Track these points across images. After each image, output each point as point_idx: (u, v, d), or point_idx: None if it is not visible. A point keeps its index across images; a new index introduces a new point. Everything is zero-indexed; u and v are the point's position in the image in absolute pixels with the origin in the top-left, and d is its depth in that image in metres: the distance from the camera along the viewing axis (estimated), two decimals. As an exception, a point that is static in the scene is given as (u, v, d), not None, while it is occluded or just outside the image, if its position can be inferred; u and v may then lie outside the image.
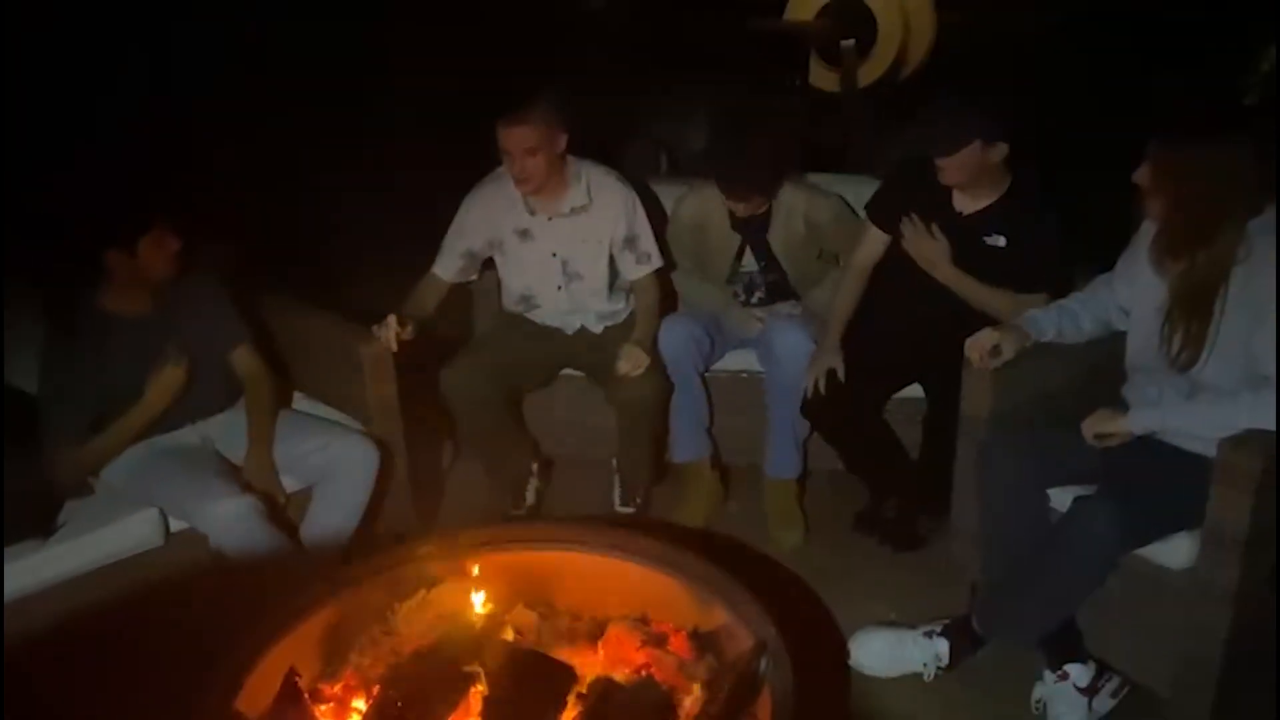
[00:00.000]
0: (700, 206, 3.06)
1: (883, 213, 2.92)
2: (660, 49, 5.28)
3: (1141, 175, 2.16)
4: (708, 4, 6.12)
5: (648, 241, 3.02)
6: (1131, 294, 2.34)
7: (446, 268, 3.04)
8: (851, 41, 6.18)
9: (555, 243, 2.98)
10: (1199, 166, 2.08)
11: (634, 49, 5.35)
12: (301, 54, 4.82)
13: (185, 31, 4.54)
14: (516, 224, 2.97)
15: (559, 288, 3.03)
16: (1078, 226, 2.69)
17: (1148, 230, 2.29)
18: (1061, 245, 2.69)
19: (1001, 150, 2.62)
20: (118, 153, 3.85)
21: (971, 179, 2.68)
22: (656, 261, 3.04)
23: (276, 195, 4.46)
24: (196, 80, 4.48)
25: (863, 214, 3.00)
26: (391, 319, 2.70)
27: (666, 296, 3.13)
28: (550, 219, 2.95)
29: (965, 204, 2.76)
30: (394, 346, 2.69)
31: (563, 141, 2.83)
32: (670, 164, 4.65)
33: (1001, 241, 2.72)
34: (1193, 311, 2.15)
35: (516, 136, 2.76)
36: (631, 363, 2.84)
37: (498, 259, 3.07)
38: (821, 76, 6.16)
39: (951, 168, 2.64)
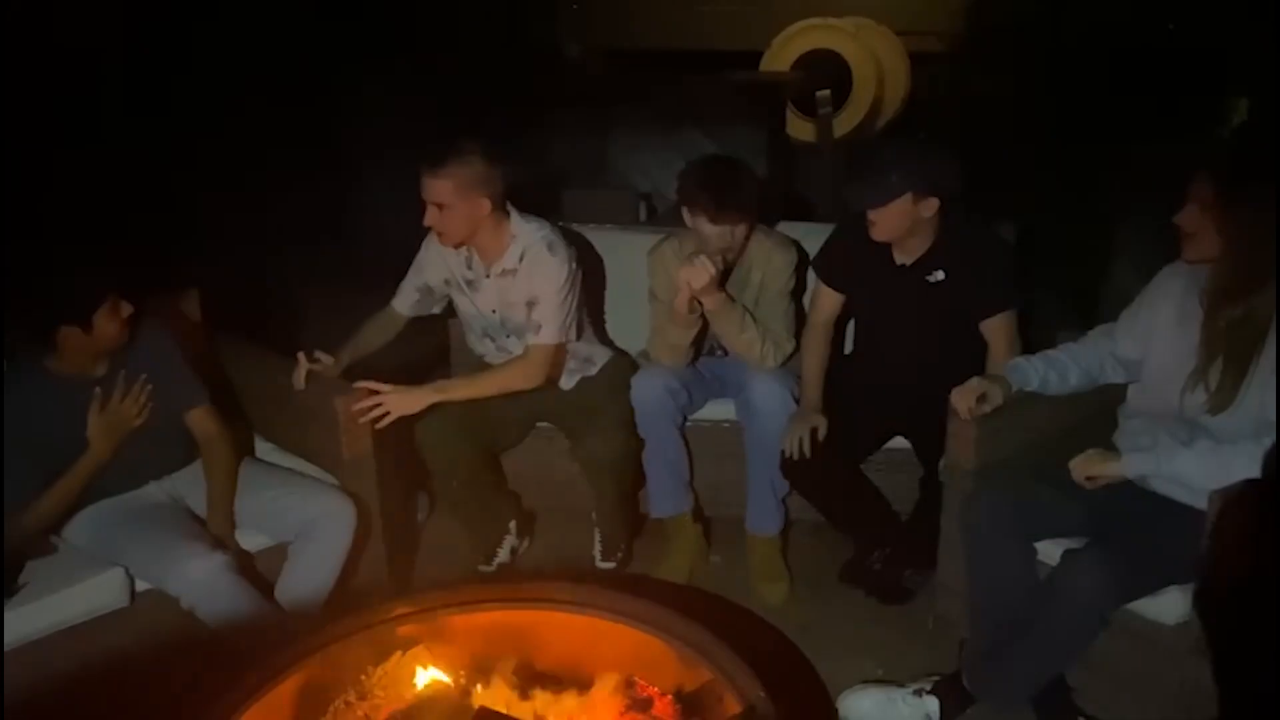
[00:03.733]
0: (679, 249, 2.92)
1: (828, 270, 2.92)
2: (639, 99, 5.30)
3: (1187, 217, 2.10)
4: (686, 55, 6.20)
5: (546, 312, 2.77)
6: (1141, 345, 2.32)
7: (403, 301, 2.99)
8: (827, 91, 6.27)
9: (494, 299, 2.87)
10: (1263, 203, 2.00)
11: (612, 99, 5.38)
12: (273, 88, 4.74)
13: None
14: (464, 273, 2.89)
15: (509, 335, 2.92)
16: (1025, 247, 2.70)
17: (1167, 278, 2.28)
18: (1002, 261, 2.72)
19: (932, 205, 2.59)
20: (71, 216, 3.61)
21: (904, 234, 2.65)
22: (548, 338, 2.79)
23: (252, 242, 4.38)
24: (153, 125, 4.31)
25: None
26: (301, 356, 2.68)
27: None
28: (488, 275, 2.85)
29: (903, 257, 2.74)
30: (300, 385, 2.67)
31: (484, 206, 2.68)
32: (649, 213, 4.65)
33: (941, 275, 2.71)
34: (1238, 356, 2.09)
35: (426, 186, 2.65)
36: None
37: (454, 300, 2.99)
38: (797, 126, 6.23)
39: (881, 221, 2.60)
